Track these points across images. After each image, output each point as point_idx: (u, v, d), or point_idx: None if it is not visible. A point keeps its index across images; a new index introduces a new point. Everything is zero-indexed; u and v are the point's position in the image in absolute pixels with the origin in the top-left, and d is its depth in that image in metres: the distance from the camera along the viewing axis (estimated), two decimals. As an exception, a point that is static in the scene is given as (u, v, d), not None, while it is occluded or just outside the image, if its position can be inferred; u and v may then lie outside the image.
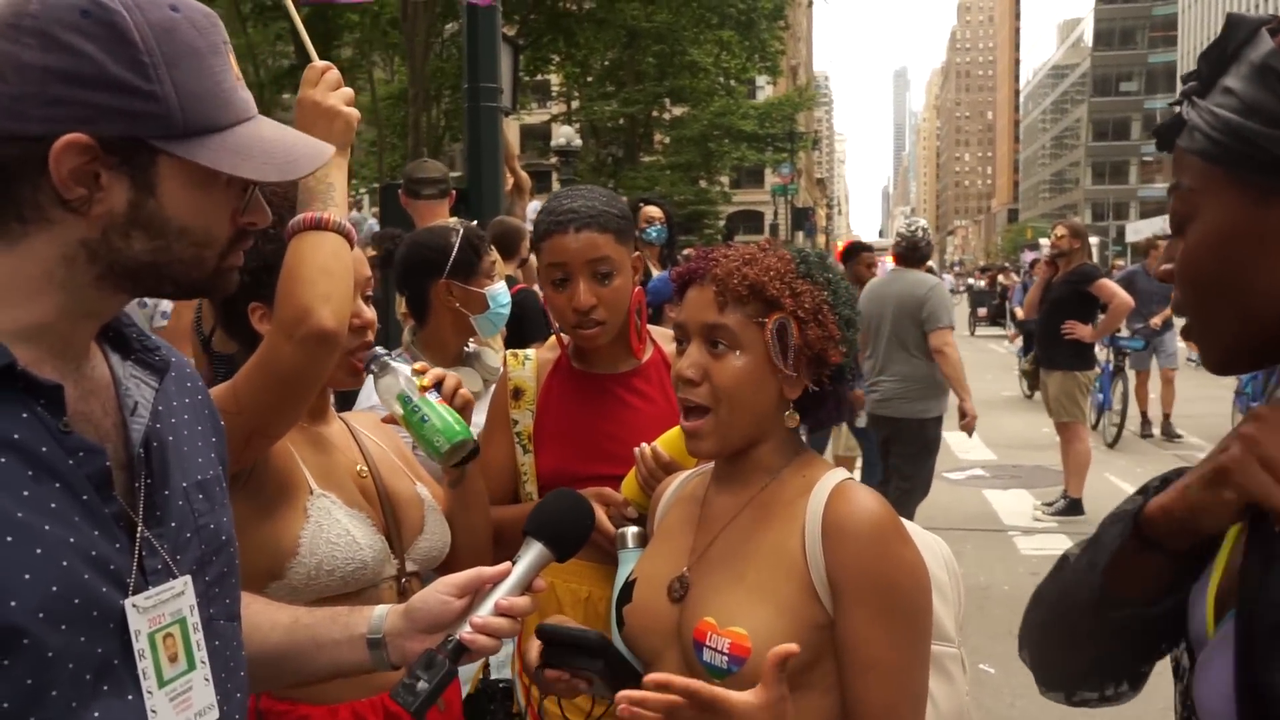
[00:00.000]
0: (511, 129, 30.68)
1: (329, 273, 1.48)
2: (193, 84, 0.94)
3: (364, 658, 1.31)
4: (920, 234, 5.82)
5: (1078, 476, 6.92)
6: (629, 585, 1.48)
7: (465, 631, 1.25)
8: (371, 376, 1.69)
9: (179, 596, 0.98)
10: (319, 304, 1.44)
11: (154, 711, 0.93)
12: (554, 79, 34.61)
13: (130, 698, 0.92)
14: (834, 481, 1.39)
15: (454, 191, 4.68)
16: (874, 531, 1.33)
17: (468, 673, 1.91)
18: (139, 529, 0.95)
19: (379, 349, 1.71)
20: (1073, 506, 6.93)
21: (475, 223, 2.80)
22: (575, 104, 33.37)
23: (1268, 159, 0.83)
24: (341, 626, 1.32)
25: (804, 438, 1.50)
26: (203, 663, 1.01)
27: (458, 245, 2.53)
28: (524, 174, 5.53)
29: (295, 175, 1.02)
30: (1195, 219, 0.89)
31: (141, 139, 0.93)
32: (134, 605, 0.92)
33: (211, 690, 1.02)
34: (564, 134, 22.04)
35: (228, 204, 1.01)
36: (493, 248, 2.59)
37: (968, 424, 5.66)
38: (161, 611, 0.96)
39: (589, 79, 32.45)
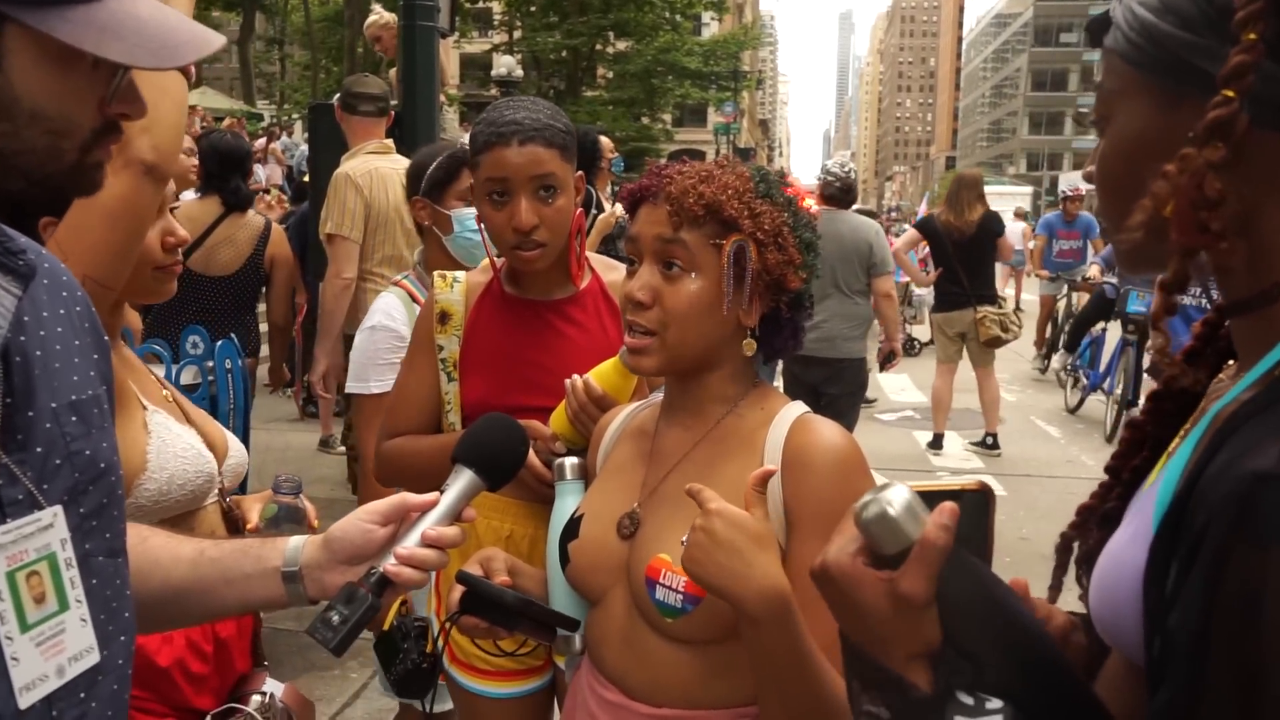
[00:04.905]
0: (451, 57, 29.95)
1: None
2: None
3: (278, 592, 1.20)
4: (853, 175, 5.86)
5: (991, 413, 7.36)
6: (575, 521, 1.40)
7: (389, 563, 1.16)
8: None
9: (47, 530, 0.87)
10: (135, 133, 1.35)
11: (15, 660, 0.83)
12: (496, 6, 33.82)
13: None
14: (795, 413, 1.32)
15: (392, 112, 4.51)
16: (837, 464, 1.25)
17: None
18: None
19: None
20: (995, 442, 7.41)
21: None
22: (517, 34, 32.65)
23: (1176, 62, 0.79)
24: (253, 560, 1.21)
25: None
26: (78, 602, 0.90)
27: (436, 163, 2.52)
28: None
29: (174, 64, 0.88)
30: (1111, 121, 0.87)
31: None
32: None
33: (90, 632, 0.91)
34: (505, 64, 21.54)
35: (93, 89, 0.87)
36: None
37: (895, 364, 6.11)
38: (24, 547, 0.84)
39: (532, 8, 31.73)
